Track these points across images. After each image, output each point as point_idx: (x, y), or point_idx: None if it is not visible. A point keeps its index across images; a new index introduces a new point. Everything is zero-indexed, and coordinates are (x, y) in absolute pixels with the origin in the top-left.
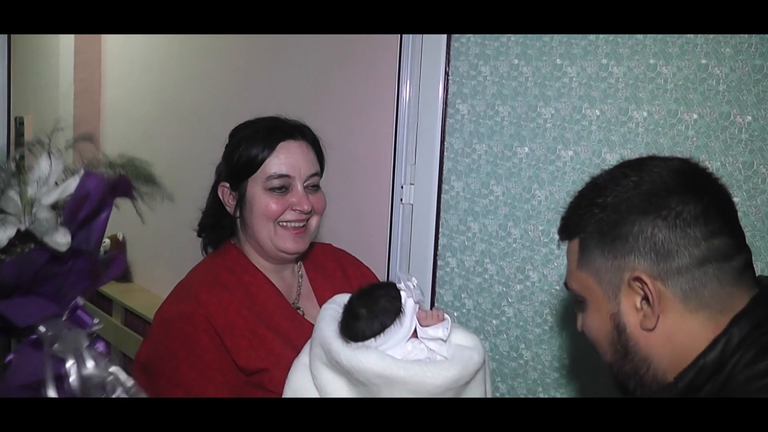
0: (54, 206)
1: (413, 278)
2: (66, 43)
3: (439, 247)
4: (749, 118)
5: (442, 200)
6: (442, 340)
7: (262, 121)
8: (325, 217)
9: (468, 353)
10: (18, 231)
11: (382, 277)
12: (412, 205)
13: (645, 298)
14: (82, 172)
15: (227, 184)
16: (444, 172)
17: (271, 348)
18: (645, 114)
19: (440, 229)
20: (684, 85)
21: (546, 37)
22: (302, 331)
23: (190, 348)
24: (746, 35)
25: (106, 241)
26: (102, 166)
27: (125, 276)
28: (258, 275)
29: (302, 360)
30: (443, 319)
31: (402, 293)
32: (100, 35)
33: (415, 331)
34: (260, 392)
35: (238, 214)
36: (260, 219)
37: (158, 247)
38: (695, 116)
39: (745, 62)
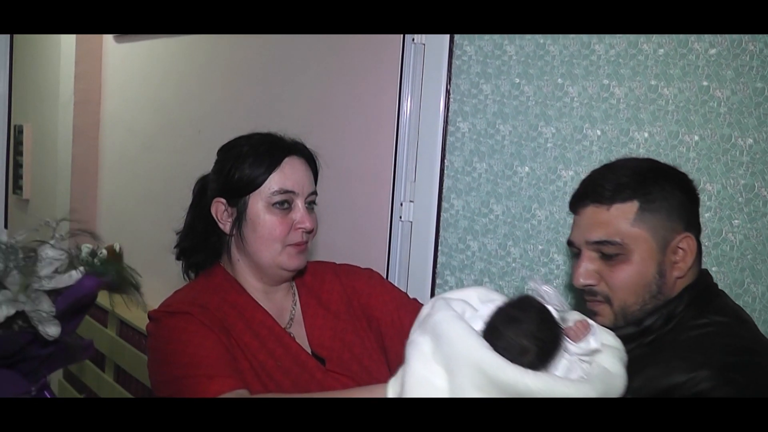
0: (49, 292)
1: (544, 284)
2: (66, 53)
3: (438, 266)
4: (750, 140)
5: (441, 218)
6: (599, 350)
7: (259, 136)
8: (323, 234)
9: (619, 353)
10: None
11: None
12: (412, 222)
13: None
14: (82, 270)
15: (223, 200)
16: (444, 190)
17: (254, 354)
18: (646, 135)
19: (439, 248)
20: (685, 106)
21: (548, 57)
22: (288, 351)
23: (184, 328)
24: (747, 58)
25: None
26: (94, 265)
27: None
28: (243, 295)
29: (428, 380)
30: (590, 327)
31: (549, 307)
32: (101, 46)
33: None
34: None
35: (234, 231)
36: (266, 240)
37: (154, 259)
38: (696, 138)
39: (747, 85)
